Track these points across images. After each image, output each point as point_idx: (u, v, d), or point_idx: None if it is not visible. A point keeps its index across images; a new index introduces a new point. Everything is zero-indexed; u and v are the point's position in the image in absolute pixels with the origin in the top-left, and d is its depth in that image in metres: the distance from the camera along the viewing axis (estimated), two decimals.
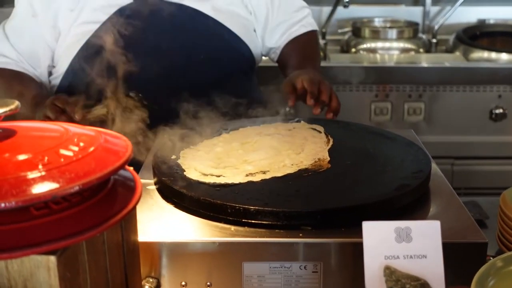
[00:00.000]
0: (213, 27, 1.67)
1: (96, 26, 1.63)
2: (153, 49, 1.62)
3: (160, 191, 1.10)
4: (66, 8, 1.66)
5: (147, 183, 1.11)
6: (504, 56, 2.56)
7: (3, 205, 0.63)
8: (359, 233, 0.84)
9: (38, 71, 1.71)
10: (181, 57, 1.64)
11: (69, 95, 1.55)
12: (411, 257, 0.81)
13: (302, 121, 1.37)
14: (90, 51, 1.60)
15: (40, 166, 0.68)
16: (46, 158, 0.70)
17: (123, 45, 1.54)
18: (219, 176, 1.09)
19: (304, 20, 1.87)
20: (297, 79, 1.45)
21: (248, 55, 1.75)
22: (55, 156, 0.71)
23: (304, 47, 1.85)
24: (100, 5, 1.64)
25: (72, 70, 1.65)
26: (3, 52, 1.70)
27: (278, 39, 1.84)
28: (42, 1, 1.67)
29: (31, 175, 0.67)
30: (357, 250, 0.89)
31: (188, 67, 1.63)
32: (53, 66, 1.72)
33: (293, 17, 1.85)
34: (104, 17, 1.63)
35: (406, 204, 1.03)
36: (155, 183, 1.11)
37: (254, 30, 1.80)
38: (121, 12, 1.63)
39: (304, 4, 1.92)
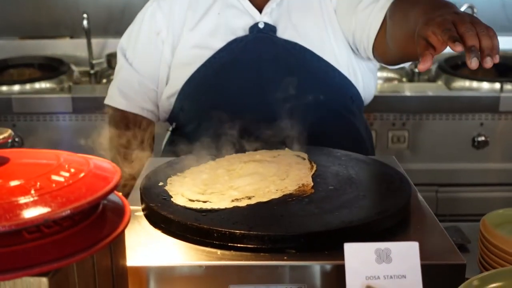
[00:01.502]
0: (324, 68, 1.63)
1: (211, 52, 1.63)
2: (262, 83, 1.60)
3: (148, 217, 1.10)
4: (187, 28, 1.68)
5: (135, 209, 1.11)
6: (485, 85, 2.59)
7: None
8: (342, 255, 0.86)
9: (159, 90, 1.73)
10: (288, 95, 1.57)
11: (185, 116, 1.63)
12: (391, 277, 0.83)
13: (286, 148, 1.38)
14: (205, 75, 1.62)
15: (32, 191, 0.70)
16: (38, 183, 0.72)
17: (235, 74, 1.59)
18: (205, 202, 1.09)
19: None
20: (424, 30, 1.09)
21: (357, 98, 1.70)
22: (47, 182, 0.73)
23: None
24: (217, 31, 1.65)
25: (185, 94, 1.65)
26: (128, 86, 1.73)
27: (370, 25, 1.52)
28: (167, 20, 1.69)
29: (24, 200, 0.68)
30: (340, 272, 0.91)
31: (295, 107, 1.55)
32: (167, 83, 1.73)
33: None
34: (219, 44, 1.63)
35: (387, 228, 1.04)
36: (143, 209, 1.12)
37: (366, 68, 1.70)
38: (235, 43, 1.63)
39: None
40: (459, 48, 1.00)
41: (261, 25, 1.63)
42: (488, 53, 1.02)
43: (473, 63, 1.00)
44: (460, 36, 1.02)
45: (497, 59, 1.03)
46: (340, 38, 1.64)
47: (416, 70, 2.89)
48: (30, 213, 0.67)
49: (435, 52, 1.06)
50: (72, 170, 0.77)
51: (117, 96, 1.76)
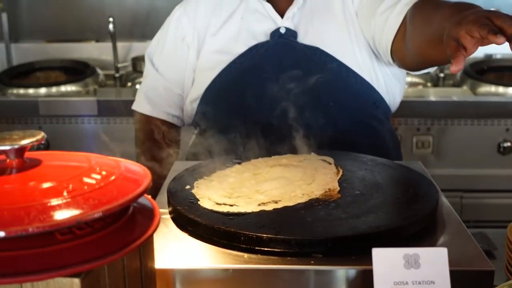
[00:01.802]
0: (346, 74, 1.62)
1: (232, 57, 1.64)
2: (284, 88, 1.58)
3: (175, 220, 1.10)
4: (210, 33, 1.69)
5: (162, 212, 1.12)
6: (511, 90, 2.58)
7: (30, 229, 0.65)
8: (369, 261, 0.86)
9: (183, 91, 1.75)
10: (310, 100, 1.56)
11: (206, 120, 1.62)
12: (419, 283, 0.83)
13: (312, 153, 1.38)
14: (226, 79, 1.63)
15: (64, 193, 0.71)
16: (70, 185, 0.73)
17: (257, 79, 1.59)
18: (232, 205, 1.10)
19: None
20: (456, 31, 1.06)
21: (381, 103, 1.67)
22: (78, 184, 0.74)
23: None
24: (239, 36, 1.66)
25: (209, 95, 1.66)
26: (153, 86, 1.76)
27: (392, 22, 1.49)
28: (192, 25, 1.71)
29: (56, 201, 0.69)
30: (367, 277, 0.91)
31: (316, 113, 1.56)
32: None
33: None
34: (241, 49, 1.64)
35: (414, 233, 1.04)
36: (170, 212, 1.12)
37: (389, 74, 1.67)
38: (257, 48, 1.64)
39: None
40: (502, 40, 0.99)
41: (282, 30, 1.63)
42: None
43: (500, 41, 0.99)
44: (499, 29, 1.01)
45: None
46: (362, 42, 1.63)
47: (441, 75, 2.88)
48: (62, 215, 0.68)
49: (466, 53, 1.04)
50: (104, 172, 0.78)
51: (143, 101, 1.78)
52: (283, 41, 1.63)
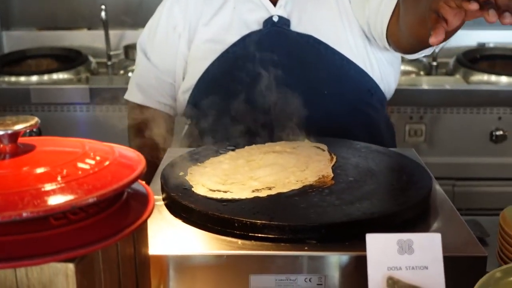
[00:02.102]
0: (340, 62, 1.61)
1: (225, 46, 1.64)
2: (277, 77, 1.56)
3: (169, 206, 1.10)
4: (202, 22, 1.68)
5: (155, 199, 1.12)
6: (503, 79, 2.58)
7: (24, 214, 0.65)
8: (363, 247, 0.85)
9: (176, 84, 1.75)
10: (303, 88, 1.56)
11: (198, 111, 1.61)
12: (413, 268, 0.83)
13: (306, 140, 1.38)
14: (218, 69, 1.63)
15: (59, 179, 0.71)
16: (64, 171, 0.73)
17: (250, 68, 1.57)
18: (226, 192, 1.10)
19: None
20: (435, 2, 1.06)
21: (376, 91, 1.66)
22: (73, 169, 0.74)
23: None
24: (231, 26, 1.66)
25: (201, 85, 1.66)
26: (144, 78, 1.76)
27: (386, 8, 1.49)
28: (183, 14, 1.70)
29: (50, 186, 0.69)
30: (361, 263, 0.91)
31: (310, 101, 1.55)
32: (183, 78, 1.74)
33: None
34: (233, 38, 1.64)
35: (408, 219, 1.04)
36: (164, 199, 1.12)
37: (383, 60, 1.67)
38: (250, 36, 1.63)
39: None
40: (475, 6, 0.96)
41: (275, 19, 1.62)
42: (506, 9, 0.96)
43: (491, 16, 0.96)
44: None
45: (508, 20, 0.97)
46: (356, 29, 1.63)
47: (434, 63, 2.89)
48: (56, 200, 0.68)
49: (447, 25, 1.03)
50: (98, 158, 0.78)
51: (135, 90, 1.78)
52: (276, 29, 1.62)
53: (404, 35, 1.40)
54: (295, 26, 1.63)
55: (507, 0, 0.97)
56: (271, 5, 1.64)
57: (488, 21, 0.98)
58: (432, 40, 1.03)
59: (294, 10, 1.64)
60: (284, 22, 1.62)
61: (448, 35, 1.08)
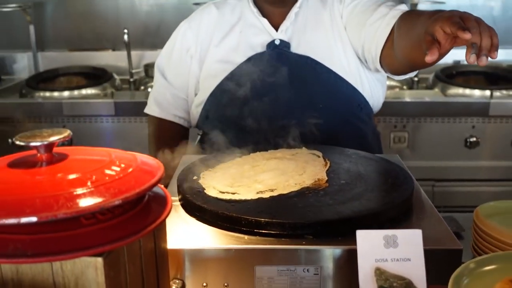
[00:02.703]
0: (334, 79, 1.61)
1: (233, 66, 1.63)
2: (278, 93, 1.58)
3: (184, 206, 1.11)
4: (213, 44, 1.68)
5: (172, 200, 1.13)
6: (476, 92, 2.58)
7: (59, 215, 0.65)
8: (353, 241, 0.86)
9: (189, 100, 1.74)
10: (302, 103, 1.58)
11: (209, 123, 1.62)
12: (397, 260, 0.83)
13: (303, 148, 1.38)
14: (227, 86, 1.61)
15: (88, 183, 0.71)
16: (93, 176, 0.73)
17: (255, 85, 1.57)
18: (234, 193, 1.10)
19: (396, 9, 1.48)
20: (432, 26, 1.06)
21: (365, 105, 1.66)
22: (101, 175, 0.74)
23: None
24: (239, 48, 1.65)
25: (212, 101, 1.65)
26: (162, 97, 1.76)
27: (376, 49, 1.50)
28: (195, 39, 1.70)
29: (81, 191, 0.70)
30: (351, 255, 0.91)
31: (307, 114, 1.55)
32: (195, 94, 1.73)
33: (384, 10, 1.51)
34: (240, 59, 1.63)
35: (393, 217, 1.04)
36: (180, 200, 1.13)
37: (374, 79, 1.67)
38: (255, 58, 1.63)
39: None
40: (468, 35, 0.99)
41: (277, 42, 1.62)
42: (485, 53, 1.00)
43: (471, 59, 0.99)
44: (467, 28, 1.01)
45: (495, 56, 1.02)
46: (349, 51, 1.63)
47: (416, 79, 2.88)
48: (87, 202, 0.68)
49: (440, 48, 1.05)
50: (122, 165, 0.78)
51: (153, 105, 1.79)
52: (278, 51, 1.62)
53: (398, 58, 1.40)
54: (295, 48, 1.63)
55: (490, 44, 1.01)
56: (273, 29, 1.64)
57: (468, 62, 1.01)
58: (427, 58, 1.05)
59: (294, 35, 1.64)
60: (285, 45, 1.63)
61: (439, 57, 1.09)
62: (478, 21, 1.04)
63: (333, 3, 1.67)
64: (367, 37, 1.52)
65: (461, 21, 1.03)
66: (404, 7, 1.48)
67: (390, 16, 1.44)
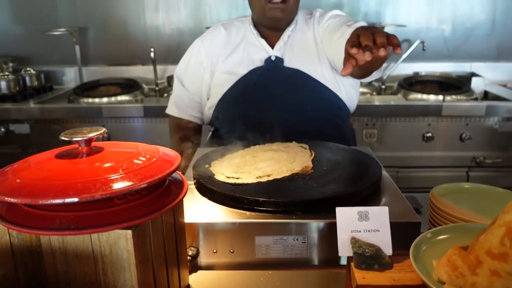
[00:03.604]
0: (318, 87, 1.61)
1: (238, 77, 1.63)
2: (274, 98, 1.59)
3: (198, 188, 1.11)
4: (221, 59, 1.68)
5: (188, 183, 1.12)
6: (431, 97, 2.57)
7: (96, 196, 0.65)
8: (333, 216, 0.85)
9: (202, 103, 1.74)
10: (293, 106, 1.59)
11: (219, 122, 1.61)
12: (369, 231, 0.83)
13: (293, 142, 1.37)
14: (233, 93, 1.62)
15: (120, 171, 0.71)
16: (124, 165, 0.73)
17: (255, 92, 1.58)
18: (238, 178, 1.10)
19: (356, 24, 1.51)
20: (346, 46, 1.09)
21: (343, 107, 1.66)
22: (130, 164, 0.74)
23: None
24: (242, 62, 1.64)
25: (221, 104, 1.65)
26: (182, 101, 1.76)
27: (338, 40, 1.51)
28: (207, 54, 1.69)
29: (115, 176, 0.69)
30: (332, 227, 0.91)
31: (297, 115, 1.58)
32: (208, 98, 1.73)
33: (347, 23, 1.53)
34: (243, 71, 1.63)
35: (365, 196, 1.05)
36: (194, 183, 1.13)
37: (349, 86, 1.66)
38: (255, 70, 1.62)
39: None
40: (354, 50, 1.02)
41: (273, 58, 1.62)
42: (381, 46, 1.00)
43: (366, 55, 1.00)
44: (360, 43, 1.03)
45: (399, 51, 1.02)
46: (327, 64, 1.63)
47: (383, 87, 2.88)
48: (119, 186, 0.68)
49: (355, 61, 1.05)
50: (147, 156, 0.78)
51: (173, 107, 1.78)
52: (273, 65, 1.62)
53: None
54: (287, 63, 1.63)
55: (385, 41, 1.02)
56: (270, 48, 1.64)
57: (363, 59, 1.02)
58: (342, 73, 1.07)
59: (286, 52, 1.64)
60: (279, 60, 1.62)
61: (365, 67, 1.13)
62: (375, 32, 1.05)
63: (314, 23, 1.67)
64: (334, 52, 1.53)
65: (365, 33, 1.04)
66: (359, 24, 1.46)
67: (347, 33, 1.42)
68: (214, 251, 0.98)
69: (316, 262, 0.98)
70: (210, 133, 1.82)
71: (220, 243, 0.97)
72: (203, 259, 0.98)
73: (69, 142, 0.77)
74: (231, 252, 0.98)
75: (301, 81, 1.61)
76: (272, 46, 1.64)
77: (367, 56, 1.00)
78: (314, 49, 1.64)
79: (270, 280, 0.94)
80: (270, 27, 1.65)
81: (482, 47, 2.98)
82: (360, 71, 1.40)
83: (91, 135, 0.77)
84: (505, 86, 2.88)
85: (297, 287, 0.92)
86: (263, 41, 1.65)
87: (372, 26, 1.12)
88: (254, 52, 1.65)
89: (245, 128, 1.42)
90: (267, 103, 1.57)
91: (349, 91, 1.67)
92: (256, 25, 1.67)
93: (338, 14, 1.66)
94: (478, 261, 0.71)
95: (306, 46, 1.65)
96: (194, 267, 0.98)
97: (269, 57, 1.62)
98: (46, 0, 3.04)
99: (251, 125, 1.43)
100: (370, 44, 1.01)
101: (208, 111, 1.71)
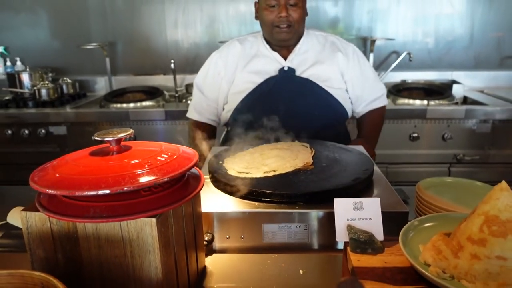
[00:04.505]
0: (324, 95, 1.62)
1: (254, 85, 1.64)
2: (286, 104, 1.60)
3: (213, 182, 1.11)
4: (239, 69, 1.68)
5: (205, 177, 1.12)
6: (417, 102, 2.55)
7: (125, 188, 0.65)
8: (332, 206, 0.85)
9: (219, 108, 1.75)
10: (302, 111, 1.60)
11: (236, 123, 1.63)
12: (363, 219, 0.82)
13: (296, 141, 1.37)
14: (250, 99, 1.63)
15: (146, 166, 0.71)
16: (149, 161, 0.73)
17: (269, 98, 1.60)
18: (247, 173, 1.10)
19: (382, 97, 1.78)
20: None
21: (343, 113, 1.69)
22: (154, 160, 0.73)
23: (376, 119, 1.77)
24: (258, 72, 1.65)
25: (238, 110, 1.66)
26: (202, 108, 1.77)
27: (363, 108, 1.75)
28: (224, 65, 1.70)
29: (141, 171, 0.69)
30: (330, 216, 0.92)
31: (305, 118, 1.60)
32: (225, 103, 1.73)
33: (376, 93, 1.76)
34: (259, 80, 1.64)
35: (359, 189, 1.04)
36: (210, 178, 1.13)
37: (349, 98, 1.73)
38: (270, 79, 1.63)
39: (383, 86, 1.83)
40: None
41: (285, 68, 1.64)
42: None
43: None
44: None
45: None
46: (335, 77, 1.64)
47: None
48: (144, 180, 0.68)
49: None
50: (169, 153, 0.78)
51: (193, 112, 1.79)
52: (286, 75, 1.63)
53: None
54: (299, 73, 1.65)
55: None
56: (283, 60, 1.65)
57: None
58: None
59: (298, 63, 1.65)
60: (291, 70, 1.64)
61: None
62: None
63: (335, 52, 1.69)
64: (359, 103, 1.72)
65: None
66: (381, 103, 1.75)
67: (374, 103, 1.70)
68: (227, 236, 0.98)
69: (316, 246, 0.98)
70: (224, 133, 1.82)
71: (232, 230, 0.97)
72: (217, 244, 0.99)
73: (101, 142, 0.77)
74: (242, 238, 0.98)
75: (310, 89, 1.62)
76: (285, 58, 1.65)
77: None
78: (329, 65, 1.67)
79: (276, 262, 0.94)
80: (279, 45, 1.67)
81: (462, 57, 2.96)
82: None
83: (120, 135, 0.77)
84: (482, 92, 2.86)
85: (300, 268, 0.92)
86: (275, 54, 1.66)
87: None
88: (268, 63, 1.66)
89: (257, 130, 1.42)
90: (279, 108, 1.58)
91: (349, 102, 1.70)
92: (267, 40, 1.68)
93: (364, 63, 1.73)
94: (460, 246, 0.70)
95: (317, 61, 1.67)
96: (210, 250, 0.99)
97: (282, 68, 1.64)
98: (80, 19, 3.06)
99: (262, 127, 1.43)
100: None
101: (226, 114, 1.72)
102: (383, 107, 1.80)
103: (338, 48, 1.71)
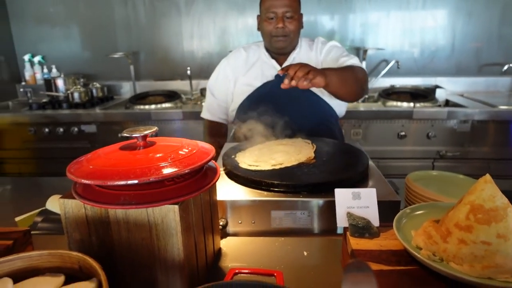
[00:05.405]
0: (317, 100, 1.60)
1: (254, 88, 1.62)
2: (282, 106, 1.57)
3: (227, 174, 1.10)
4: (241, 74, 1.67)
5: (220, 170, 1.12)
6: (404, 104, 2.53)
7: (151, 179, 0.64)
8: (332, 195, 0.84)
9: (227, 105, 1.73)
10: (295, 111, 1.57)
11: (240, 121, 1.59)
12: (360, 207, 0.81)
13: (299, 138, 1.36)
14: (250, 100, 1.62)
15: (169, 160, 0.70)
16: (172, 155, 0.72)
17: (266, 100, 1.57)
18: (257, 166, 1.10)
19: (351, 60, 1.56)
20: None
21: (334, 114, 1.66)
22: (176, 154, 0.73)
23: (343, 68, 1.44)
24: (257, 76, 1.64)
25: (241, 108, 1.64)
26: (213, 108, 1.75)
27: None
28: (232, 70, 1.69)
29: (164, 164, 0.69)
30: (331, 205, 0.91)
31: (299, 118, 1.56)
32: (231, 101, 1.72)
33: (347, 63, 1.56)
34: (258, 84, 1.62)
35: (357, 180, 1.03)
36: (224, 170, 1.12)
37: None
38: (267, 83, 1.62)
39: (356, 59, 1.59)
40: (280, 72, 1.20)
41: (281, 74, 1.60)
42: (296, 80, 1.16)
43: (285, 82, 1.18)
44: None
45: (304, 86, 1.18)
46: None
47: (366, 96, 2.84)
48: (168, 171, 0.67)
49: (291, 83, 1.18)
50: (189, 148, 0.77)
51: (206, 112, 1.78)
52: (281, 80, 1.60)
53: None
54: None
55: (301, 75, 1.17)
56: (279, 66, 1.63)
57: (283, 87, 1.17)
58: (281, 85, 1.18)
59: None
60: (285, 76, 1.60)
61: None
62: (301, 67, 1.18)
63: (317, 48, 1.66)
64: None
65: (294, 67, 1.18)
66: (349, 62, 1.53)
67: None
68: (239, 222, 0.97)
69: (318, 231, 0.97)
70: (233, 130, 1.81)
71: (243, 216, 0.97)
72: (231, 228, 0.98)
73: (129, 138, 0.77)
74: (253, 223, 0.97)
75: (302, 93, 1.60)
76: (281, 65, 1.64)
77: (285, 83, 1.18)
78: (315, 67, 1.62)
79: (283, 244, 0.93)
80: (277, 53, 1.65)
81: (444, 65, 2.93)
82: (338, 97, 1.44)
83: (146, 132, 0.76)
84: (462, 96, 2.83)
85: (304, 250, 0.91)
86: (273, 61, 1.65)
87: (306, 65, 1.21)
88: (266, 69, 1.65)
89: (261, 127, 1.41)
90: (275, 109, 1.56)
91: (338, 103, 1.66)
92: (267, 48, 1.67)
93: (335, 46, 1.66)
94: (448, 231, 0.69)
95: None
96: (224, 234, 0.98)
97: (278, 74, 1.61)
98: (108, 31, 3.06)
99: (265, 125, 1.42)
100: (292, 74, 1.17)
101: (231, 113, 1.72)
102: (357, 68, 1.48)
103: (312, 48, 1.68)
